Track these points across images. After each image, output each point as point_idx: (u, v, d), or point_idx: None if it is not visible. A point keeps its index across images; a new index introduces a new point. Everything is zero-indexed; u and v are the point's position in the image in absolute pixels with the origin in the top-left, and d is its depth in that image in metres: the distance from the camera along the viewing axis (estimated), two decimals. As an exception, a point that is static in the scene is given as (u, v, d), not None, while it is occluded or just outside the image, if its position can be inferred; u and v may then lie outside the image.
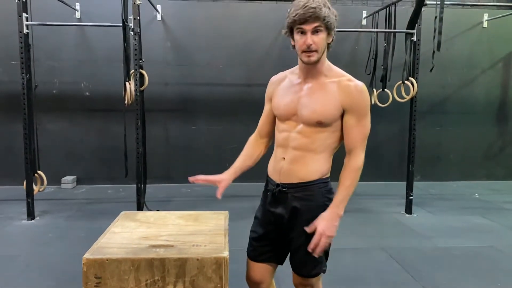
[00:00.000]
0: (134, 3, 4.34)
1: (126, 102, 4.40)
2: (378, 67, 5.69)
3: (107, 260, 1.62)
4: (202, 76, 6.17)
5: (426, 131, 6.47)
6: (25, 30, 4.36)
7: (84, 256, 1.63)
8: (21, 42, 4.35)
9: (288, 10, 1.74)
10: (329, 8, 1.67)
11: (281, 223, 1.86)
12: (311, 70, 1.78)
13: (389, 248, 3.80)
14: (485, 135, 6.79)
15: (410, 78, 4.83)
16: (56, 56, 6.00)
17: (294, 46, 1.78)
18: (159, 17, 6.09)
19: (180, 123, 6.29)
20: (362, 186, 6.59)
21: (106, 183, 6.18)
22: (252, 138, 2.06)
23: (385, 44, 5.49)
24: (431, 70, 4.70)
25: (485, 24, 6.60)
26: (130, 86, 4.40)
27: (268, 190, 1.91)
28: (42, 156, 4.91)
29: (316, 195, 1.81)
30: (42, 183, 4.72)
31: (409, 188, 4.93)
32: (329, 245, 1.82)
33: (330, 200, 1.79)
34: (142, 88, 4.56)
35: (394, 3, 5.31)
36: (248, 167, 2.01)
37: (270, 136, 2.04)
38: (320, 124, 1.75)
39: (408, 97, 4.89)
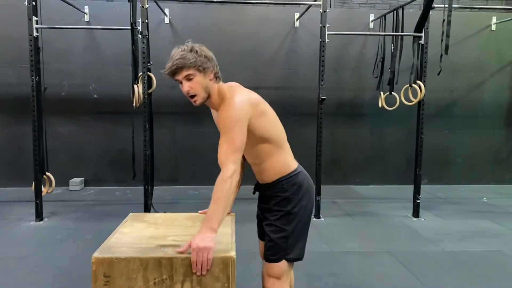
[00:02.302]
0: (143, 7, 4.38)
1: (134, 104, 4.43)
2: (385, 70, 5.68)
3: (116, 259, 1.63)
4: (209, 79, 6.19)
5: (434, 134, 6.44)
6: (34, 33, 4.41)
7: (94, 255, 1.64)
8: (31, 45, 4.40)
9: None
10: (196, 52, 1.80)
11: (260, 211, 2.16)
12: (212, 106, 1.97)
13: (396, 252, 3.79)
14: (493, 139, 6.75)
15: (418, 81, 4.82)
16: (65, 59, 6.05)
17: None
18: (167, 20, 6.13)
19: (187, 125, 6.32)
20: (369, 189, 6.65)
21: (114, 185, 6.22)
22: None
23: (392, 47, 5.48)
24: (438, 74, 4.68)
25: (493, 27, 6.57)
26: (138, 88, 4.43)
27: (254, 191, 2.19)
28: (51, 158, 4.95)
29: (278, 191, 1.99)
30: (50, 185, 4.76)
31: (417, 192, 4.91)
32: (289, 236, 1.95)
33: (293, 191, 1.98)
34: (150, 91, 4.59)
35: (402, 6, 5.31)
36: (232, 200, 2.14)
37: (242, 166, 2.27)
38: (218, 156, 1.85)
39: (415, 101, 4.88)
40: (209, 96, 1.88)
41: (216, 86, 1.90)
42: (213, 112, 2.08)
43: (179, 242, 1.80)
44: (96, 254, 1.65)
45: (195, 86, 1.81)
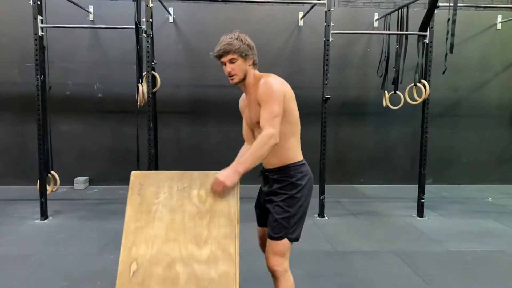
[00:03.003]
0: (147, 6, 4.39)
1: (138, 103, 4.44)
2: (390, 69, 5.66)
3: (149, 174, 2.19)
4: (213, 78, 6.20)
5: (438, 134, 6.43)
6: (40, 33, 4.43)
7: (132, 172, 2.17)
8: (36, 44, 4.42)
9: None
10: (241, 40, 2.13)
11: (264, 195, 2.32)
12: (243, 87, 2.26)
13: (400, 251, 3.78)
14: (498, 138, 6.72)
15: (422, 81, 4.80)
16: (70, 58, 6.07)
17: None
18: (171, 19, 6.14)
19: (191, 124, 6.33)
20: (373, 189, 6.62)
21: (118, 184, 6.23)
22: (242, 148, 2.49)
23: (397, 46, 5.46)
24: (443, 73, 4.67)
25: (498, 26, 6.53)
26: (143, 88, 4.44)
27: (260, 174, 2.36)
28: (55, 156, 4.97)
29: (285, 176, 2.19)
30: (55, 183, 4.78)
31: (421, 191, 4.89)
32: (292, 217, 2.15)
33: (298, 178, 2.18)
34: (154, 90, 4.60)
35: (406, 5, 5.29)
36: None
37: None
38: (259, 123, 2.11)
39: (420, 100, 4.86)
40: (245, 78, 2.18)
41: (253, 71, 2.21)
42: (242, 100, 2.40)
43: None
44: (135, 172, 2.18)
45: (236, 68, 2.14)
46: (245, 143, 2.48)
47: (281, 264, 2.19)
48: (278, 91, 2.07)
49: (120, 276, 1.90)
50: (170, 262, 1.92)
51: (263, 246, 2.47)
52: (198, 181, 2.10)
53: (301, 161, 2.22)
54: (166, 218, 2.02)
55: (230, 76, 2.17)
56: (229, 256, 1.94)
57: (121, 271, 1.91)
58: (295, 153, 2.21)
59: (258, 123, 2.14)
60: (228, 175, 2.02)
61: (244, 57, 2.14)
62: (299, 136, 2.25)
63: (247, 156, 2.02)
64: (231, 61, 2.14)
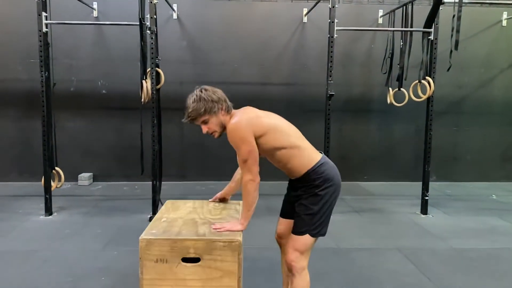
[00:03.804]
0: (151, 2, 4.38)
1: (142, 100, 4.44)
2: (394, 66, 5.63)
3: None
4: (217, 75, 6.20)
5: (443, 131, 6.40)
6: (44, 29, 4.44)
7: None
8: (40, 41, 4.43)
9: None
10: (204, 100, 2.21)
11: (292, 198, 2.42)
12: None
13: (404, 248, 3.78)
14: (503, 135, 6.69)
15: (427, 78, 4.78)
16: (74, 55, 6.08)
17: None
18: (175, 16, 6.13)
19: (195, 121, 6.31)
20: (377, 186, 6.62)
21: (122, 180, 6.25)
22: (237, 170, 2.64)
23: (401, 43, 5.43)
24: (448, 70, 4.65)
25: (504, 23, 6.49)
26: (147, 84, 4.44)
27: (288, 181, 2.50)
28: (60, 153, 4.98)
29: (309, 180, 2.26)
30: (59, 180, 4.79)
31: (425, 189, 4.88)
32: (315, 214, 2.23)
33: (318, 179, 2.24)
34: (158, 87, 4.60)
35: (411, 2, 5.25)
36: (235, 188, 2.69)
37: None
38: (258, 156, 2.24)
39: (424, 97, 4.84)
40: (225, 128, 2.26)
41: (229, 117, 2.27)
42: None
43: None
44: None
45: (211, 126, 2.26)
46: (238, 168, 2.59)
47: (299, 261, 2.24)
48: (242, 134, 2.17)
49: (152, 222, 2.31)
50: (190, 217, 2.42)
51: (279, 238, 2.56)
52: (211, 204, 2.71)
53: (318, 162, 2.27)
54: (188, 210, 2.59)
55: (212, 134, 2.30)
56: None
57: (153, 220, 2.39)
58: (306, 161, 2.26)
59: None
60: (234, 224, 2.20)
61: (213, 114, 2.23)
62: (303, 141, 2.32)
63: (243, 209, 2.22)
64: (204, 123, 2.26)
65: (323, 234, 2.28)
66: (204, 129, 2.28)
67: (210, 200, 2.75)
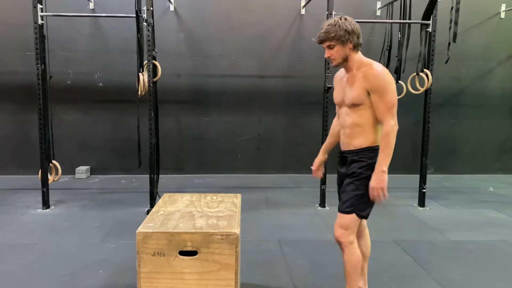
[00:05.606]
0: (148, -6, 4.35)
1: (139, 93, 4.42)
2: (392, 59, 5.62)
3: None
4: (215, 68, 6.18)
5: (441, 123, 6.41)
6: (40, 21, 4.40)
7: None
8: (36, 33, 4.39)
9: None
10: (339, 26, 2.23)
11: (342, 177, 2.48)
12: (346, 68, 2.38)
13: (401, 241, 3.79)
14: (500, 128, 6.70)
15: (425, 70, 4.77)
16: (70, 47, 6.05)
17: None
18: (172, 8, 6.09)
19: (193, 114, 6.31)
20: (374, 178, 6.51)
21: (119, 173, 6.25)
22: (334, 121, 2.69)
23: (399, 35, 5.42)
24: (446, 62, 4.64)
25: (502, 15, 6.47)
26: (144, 77, 4.42)
27: (338, 156, 2.54)
28: (57, 146, 4.97)
29: (364, 157, 2.33)
30: (56, 173, 4.78)
31: (422, 181, 4.89)
32: (364, 196, 2.29)
33: (374, 161, 2.28)
34: (155, 79, 4.58)
35: (410, -6, 5.24)
36: (334, 143, 2.70)
37: None
38: (354, 105, 2.29)
39: (422, 89, 4.84)
40: (346, 61, 2.31)
41: (354, 54, 2.31)
42: (338, 75, 2.49)
43: None
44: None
45: (334, 53, 2.29)
46: (335, 119, 2.65)
47: (346, 236, 2.33)
48: (391, 82, 2.24)
49: (149, 216, 2.37)
50: (188, 210, 2.48)
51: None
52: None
53: (379, 146, 2.32)
54: (185, 203, 2.66)
55: (331, 60, 2.34)
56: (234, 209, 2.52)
57: (150, 213, 2.44)
58: (376, 138, 2.34)
59: (352, 105, 2.30)
60: (379, 178, 2.22)
61: (342, 43, 2.25)
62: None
63: (382, 156, 2.24)
64: (329, 47, 2.29)
65: (367, 217, 2.38)
66: (327, 53, 2.31)
67: (312, 167, 2.80)
